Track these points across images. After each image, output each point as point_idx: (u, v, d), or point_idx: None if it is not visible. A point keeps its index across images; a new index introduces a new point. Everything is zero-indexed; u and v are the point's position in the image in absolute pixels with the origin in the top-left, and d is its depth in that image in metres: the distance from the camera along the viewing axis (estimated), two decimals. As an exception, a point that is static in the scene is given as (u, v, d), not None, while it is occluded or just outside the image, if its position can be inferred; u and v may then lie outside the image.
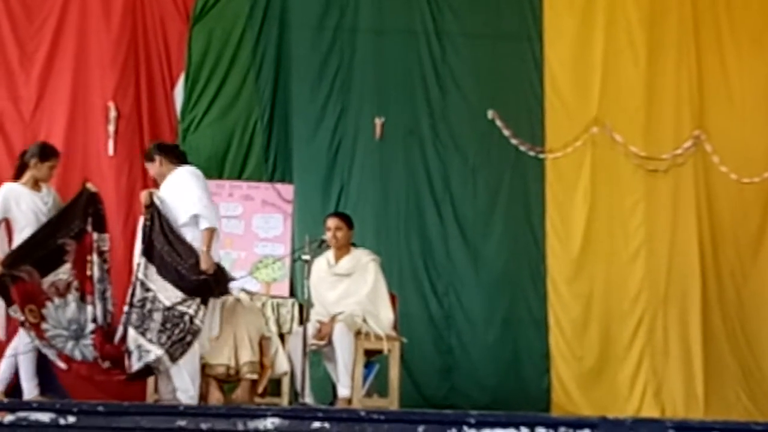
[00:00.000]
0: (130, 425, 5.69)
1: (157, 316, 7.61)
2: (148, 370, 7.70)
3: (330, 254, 8.68)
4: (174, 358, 7.60)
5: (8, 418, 5.63)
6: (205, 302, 7.69)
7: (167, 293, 7.64)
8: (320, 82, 9.93)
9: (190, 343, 7.63)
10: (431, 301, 9.82)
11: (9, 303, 7.62)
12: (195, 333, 7.63)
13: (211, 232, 7.73)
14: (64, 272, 7.69)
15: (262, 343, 7.99)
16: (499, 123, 9.93)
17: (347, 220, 8.74)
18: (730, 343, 9.80)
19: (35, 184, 7.95)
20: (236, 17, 9.88)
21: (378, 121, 9.84)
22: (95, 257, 7.76)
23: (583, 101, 10.01)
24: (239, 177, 9.69)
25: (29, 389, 7.75)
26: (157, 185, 8.10)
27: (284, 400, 8.34)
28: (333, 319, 8.41)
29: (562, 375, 9.72)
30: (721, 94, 10.06)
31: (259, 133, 9.80)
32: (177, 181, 7.89)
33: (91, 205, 7.85)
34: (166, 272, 7.67)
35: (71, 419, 5.66)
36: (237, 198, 9.49)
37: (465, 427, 5.70)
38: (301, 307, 8.55)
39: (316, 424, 5.70)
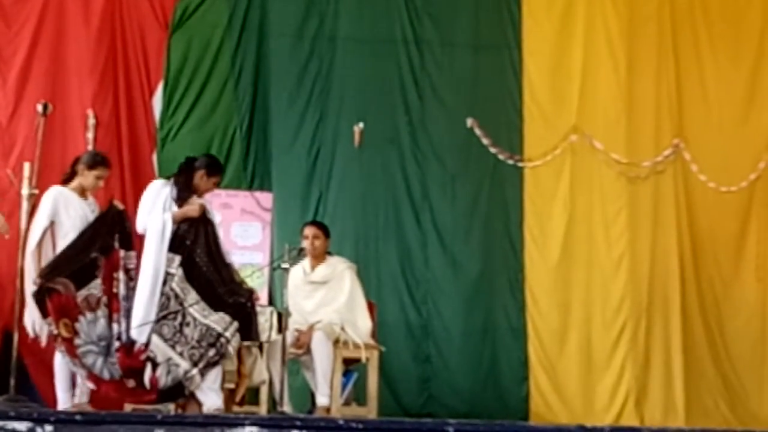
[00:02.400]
0: (108, 434, 5.67)
1: (190, 332, 7.47)
2: (179, 389, 7.53)
3: (306, 262, 8.68)
4: (203, 375, 7.50)
5: (-16, 427, 5.60)
6: (243, 333, 7.58)
7: (204, 312, 7.51)
8: (299, 90, 9.93)
9: (216, 363, 7.54)
10: (409, 309, 9.82)
11: (45, 315, 7.50)
12: (224, 356, 7.53)
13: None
14: (95, 287, 7.59)
15: (241, 352, 7.95)
16: (477, 131, 9.94)
17: (324, 229, 8.74)
18: (710, 351, 9.83)
19: (82, 192, 7.87)
20: (215, 26, 9.87)
21: (357, 129, 9.84)
22: (122, 275, 7.67)
23: (562, 110, 10.04)
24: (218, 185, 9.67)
25: (63, 399, 7.66)
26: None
27: (263, 409, 8.30)
28: (311, 327, 8.40)
29: (540, 383, 9.73)
30: (700, 102, 10.11)
31: (237, 142, 9.79)
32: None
33: (118, 223, 7.77)
34: (204, 290, 7.55)
35: (48, 428, 5.63)
36: (216, 206, 9.42)
37: (443, 436, 5.71)
38: (279, 315, 8.53)
39: (295, 433, 5.71)
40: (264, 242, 9.51)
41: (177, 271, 7.54)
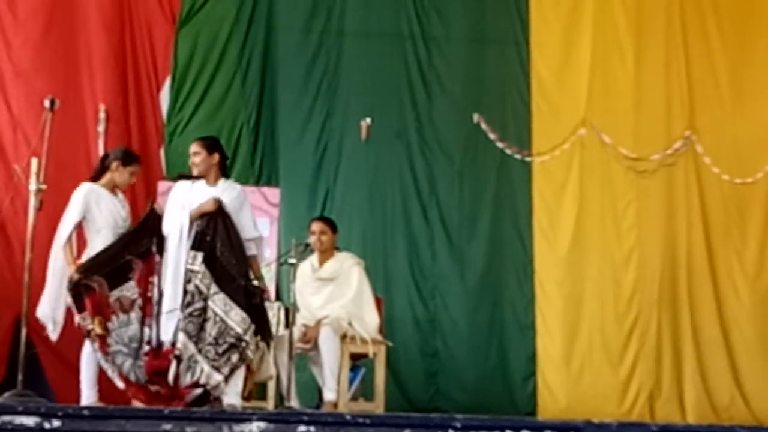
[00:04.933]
0: (115, 429, 5.67)
1: (209, 328, 7.43)
2: (206, 396, 7.46)
3: (314, 258, 8.67)
4: (226, 378, 7.45)
5: (-7, 421, 5.62)
6: (259, 334, 7.55)
7: (225, 307, 7.46)
8: (306, 85, 9.94)
9: (239, 367, 7.50)
10: (417, 304, 9.83)
11: (81, 310, 7.47)
12: (245, 360, 7.50)
13: (258, 262, 7.77)
14: (128, 289, 7.57)
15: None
16: (484, 126, 9.94)
17: (332, 224, 8.73)
18: (725, 345, 9.78)
19: (113, 189, 7.86)
20: (222, 20, 9.87)
21: (364, 123, 9.84)
22: (156, 279, 7.64)
23: (571, 104, 10.04)
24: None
25: (88, 395, 7.64)
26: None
27: (270, 404, 8.32)
28: (318, 322, 8.40)
29: (548, 378, 9.72)
30: (712, 94, 10.10)
31: (245, 137, 9.79)
32: (236, 196, 7.78)
33: (157, 226, 7.73)
34: (227, 284, 7.50)
35: (56, 423, 5.65)
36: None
37: (450, 431, 5.71)
38: (287, 310, 8.54)
39: (302, 428, 5.71)
40: (271, 237, 9.51)
41: (200, 268, 7.49)
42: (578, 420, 5.90)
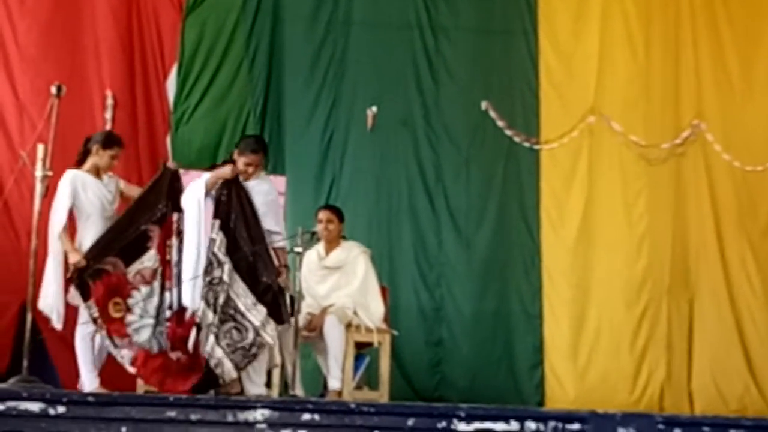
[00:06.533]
0: (120, 416, 5.68)
1: (222, 296, 7.39)
2: (214, 380, 7.42)
3: (320, 247, 8.67)
4: (239, 367, 7.42)
5: (-2, 407, 5.62)
6: (274, 317, 7.50)
7: (236, 283, 7.44)
8: (313, 73, 9.94)
9: (255, 356, 7.45)
10: (422, 292, 9.82)
11: (86, 298, 7.44)
12: (261, 346, 7.45)
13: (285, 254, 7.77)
14: (149, 259, 7.50)
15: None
16: (492, 114, 9.93)
17: (338, 213, 8.72)
18: (738, 333, 9.75)
19: (97, 173, 7.84)
20: (229, 8, 9.87)
21: (370, 112, 9.84)
22: (174, 240, 7.58)
23: (580, 91, 10.03)
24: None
25: (90, 380, 7.63)
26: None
27: (274, 392, 8.32)
28: (324, 311, 8.40)
29: (556, 368, 9.70)
30: (722, 81, 10.08)
31: (251, 125, 9.78)
32: (267, 192, 7.80)
33: (173, 184, 7.67)
34: (237, 257, 7.47)
35: (61, 409, 5.66)
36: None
37: (455, 420, 5.71)
38: (292, 299, 8.54)
39: (306, 416, 5.71)
40: (277, 226, 9.50)
41: (217, 236, 7.47)
42: (583, 411, 5.90)
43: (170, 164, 7.89)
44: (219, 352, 7.39)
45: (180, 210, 7.64)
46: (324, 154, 9.91)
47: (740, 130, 9.97)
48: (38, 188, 7.50)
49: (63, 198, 7.63)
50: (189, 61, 9.76)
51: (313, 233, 8.47)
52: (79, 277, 7.45)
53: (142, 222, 7.57)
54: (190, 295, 7.48)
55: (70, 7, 9.63)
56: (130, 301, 7.45)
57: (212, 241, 7.48)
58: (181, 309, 7.50)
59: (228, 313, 7.41)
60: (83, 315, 7.57)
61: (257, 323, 7.44)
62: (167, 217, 7.61)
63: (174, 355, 7.45)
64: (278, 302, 7.54)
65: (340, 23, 10.01)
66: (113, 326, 7.43)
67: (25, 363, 7.28)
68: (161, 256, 7.54)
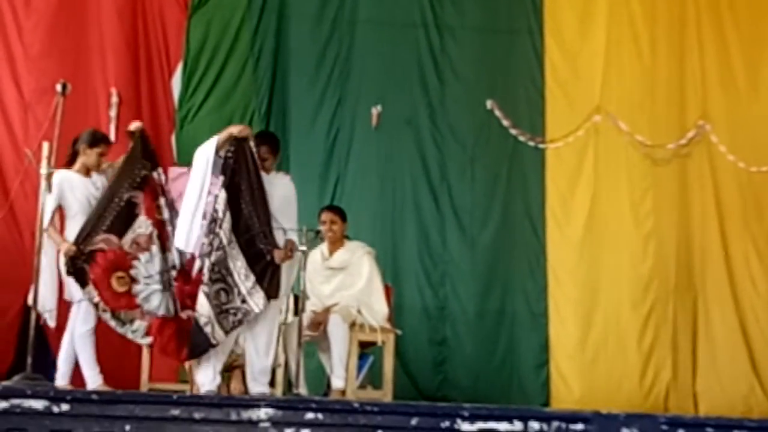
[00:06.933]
0: (124, 414, 5.70)
1: (215, 254, 7.29)
2: (206, 340, 7.31)
3: (324, 247, 8.67)
4: (226, 330, 7.32)
5: (1, 405, 5.62)
6: (262, 286, 7.40)
7: (233, 243, 7.36)
8: (318, 72, 9.94)
9: (241, 321, 7.34)
10: (426, 291, 9.82)
11: (84, 285, 7.42)
12: (246, 313, 7.35)
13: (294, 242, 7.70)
14: (140, 225, 7.47)
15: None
16: (498, 113, 9.92)
17: (341, 214, 8.72)
18: (742, 333, 9.73)
19: (87, 172, 7.86)
20: (235, 7, 9.88)
21: (374, 111, 9.84)
22: (161, 199, 7.56)
23: (585, 91, 10.02)
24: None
25: (92, 378, 7.61)
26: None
27: (278, 391, 8.32)
28: (327, 310, 8.40)
29: (562, 367, 9.68)
30: (727, 82, 10.05)
31: (256, 124, 9.77)
32: (286, 185, 7.80)
33: (145, 145, 7.63)
34: (237, 217, 7.40)
35: (65, 407, 5.67)
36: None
37: (458, 420, 5.72)
38: (296, 298, 8.55)
39: (310, 415, 5.72)
40: (282, 224, 9.50)
41: (220, 193, 7.39)
42: (587, 411, 5.90)
43: (136, 125, 7.81)
44: (208, 310, 7.30)
45: (157, 166, 7.60)
46: (329, 152, 9.91)
47: (745, 131, 9.95)
48: (43, 186, 7.52)
49: (49, 199, 7.65)
50: (194, 59, 9.77)
51: (318, 232, 8.47)
52: (73, 265, 7.44)
53: (124, 191, 7.53)
54: (187, 240, 7.39)
55: (75, 5, 9.65)
56: (132, 272, 7.42)
57: (215, 197, 7.39)
58: (183, 267, 7.46)
59: (220, 273, 7.35)
60: (80, 312, 7.57)
61: (244, 289, 7.39)
62: (148, 179, 7.57)
63: (185, 315, 7.40)
64: (269, 274, 7.45)
65: (345, 22, 10.01)
66: (120, 302, 7.40)
67: (29, 360, 7.29)
68: (152, 219, 7.51)
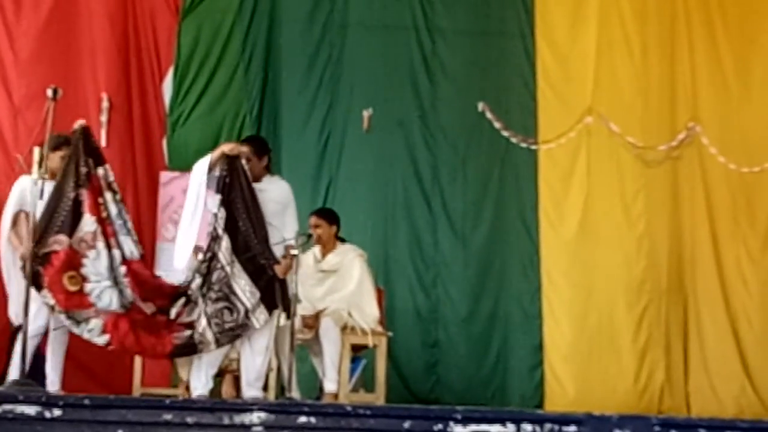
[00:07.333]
0: (116, 419, 5.69)
1: (216, 273, 7.35)
2: (192, 348, 7.37)
3: (316, 250, 8.67)
4: (219, 343, 7.35)
5: (-7, 410, 5.62)
6: (265, 303, 7.45)
7: (234, 263, 7.40)
8: (309, 76, 9.94)
9: (238, 336, 7.41)
10: (418, 294, 9.82)
11: (39, 288, 7.34)
12: (245, 328, 7.41)
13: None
14: (86, 224, 7.40)
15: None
16: (489, 115, 9.93)
17: (327, 217, 8.70)
18: (733, 335, 9.73)
19: (52, 176, 7.83)
20: (225, 11, 9.87)
21: (366, 114, 9.84)
22: (107, 195, 7.49)
23: (577, 92, 10.03)
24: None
25: (53, 381, 7.55)
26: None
27: (270, 395, 8.32)
28: (319, 312, 8.40)
29: (556, 369, 9.68)
30: (718, 83, 10.06)
31: (248, 127, 9.78)
32: (281, 189, 7.80)
33: (87, 141, 7.58)
34: (236, 236, 7.42)
35: (57, 412, 5.66)
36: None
37: (451, 423, 5.71)
38: (289, 301, 8.53)
39: (303, 419, 5.71)
40: (274, 228, 9.49)
41: (219, 211, 7.42)
42: (579, 413, 5.90)
43: (76, 125, 7.73)
44: (204, 323, 7.32)
45: (102, 163, 7.55)
46: (320, 156, 9.91)
47: (736, 132, 9.97)
48: (34, 191, 7.50)
49: (9, 204, 7.74)
50: (185, 63, 9.76)
51: (309, 236, 8.46)
52: (31, 269, 7.37)
53: (70, 190, 7.48)
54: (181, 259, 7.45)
55: (65, 10, 9.63)
56: (83, 270, 7.35)
57: (215, 216, 7.42)
58: (142, 256, 7.47)
59: (223, 292, 7.37)
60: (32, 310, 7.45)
61: (249, 306, 7.40)
62: (91, 176, 7.52)
63: (147, 308, 7.37)
64: (272, 287, 7.48)
65: (336, 25, 10.01)
66: (73, 301, 7.32)
67: (21, 366, 7.26)
68: (96, 216, 7.45)
